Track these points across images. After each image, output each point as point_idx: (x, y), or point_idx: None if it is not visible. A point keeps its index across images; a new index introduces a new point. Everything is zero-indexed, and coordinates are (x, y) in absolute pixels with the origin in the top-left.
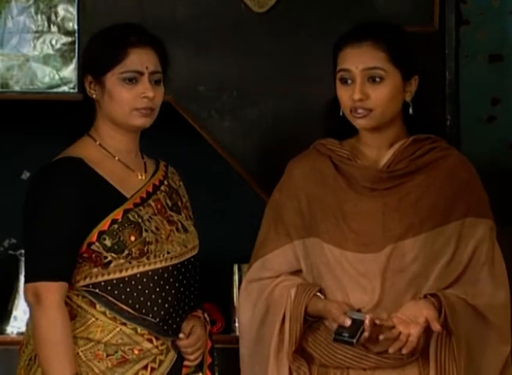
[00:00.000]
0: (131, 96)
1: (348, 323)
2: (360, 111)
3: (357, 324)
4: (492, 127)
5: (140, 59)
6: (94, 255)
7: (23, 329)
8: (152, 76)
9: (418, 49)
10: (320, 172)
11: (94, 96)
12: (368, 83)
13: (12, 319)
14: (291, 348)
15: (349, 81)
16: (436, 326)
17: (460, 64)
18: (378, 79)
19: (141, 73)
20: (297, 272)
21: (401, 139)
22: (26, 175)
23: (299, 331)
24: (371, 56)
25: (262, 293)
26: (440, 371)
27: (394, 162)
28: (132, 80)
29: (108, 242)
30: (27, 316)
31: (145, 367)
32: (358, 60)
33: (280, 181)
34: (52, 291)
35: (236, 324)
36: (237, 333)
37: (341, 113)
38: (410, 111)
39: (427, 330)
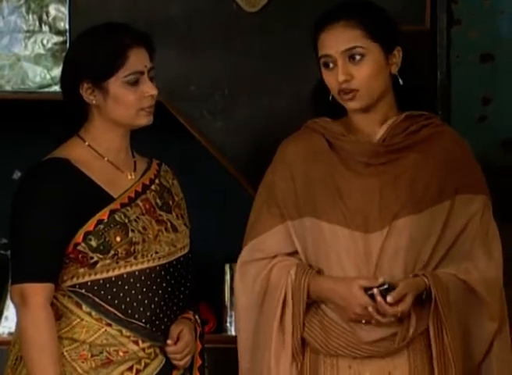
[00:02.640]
0: (137, 97)
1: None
2: (348, 93)
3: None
4: (483, 126)
5: (139, 59)
6: (80, 256)
7: (13, 329)
8: (149, 73)
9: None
10: (314, 149)
11: (94, 102)
12: (349, 64)
13: (3, 319)
14: (296, 330)
15: (331, 65)
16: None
17: (451, 64)
18: (358, 56)
19: (142, 73)
20: (293, 253)
21: (393, 116)
22: (17, 175)
23: (302, 312)
24: (347, 36)
25: (259, 274)
26: (441, 352)
27: (389, 137)
28: (135, 81)
29: (93, 243)
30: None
31: (130, 368)
32: (336, 43)
33: (273, 162)
34: (38, 292)
35: (228, 324)
36: (229, 332)
37: (330, 98)
38: (401, 82)
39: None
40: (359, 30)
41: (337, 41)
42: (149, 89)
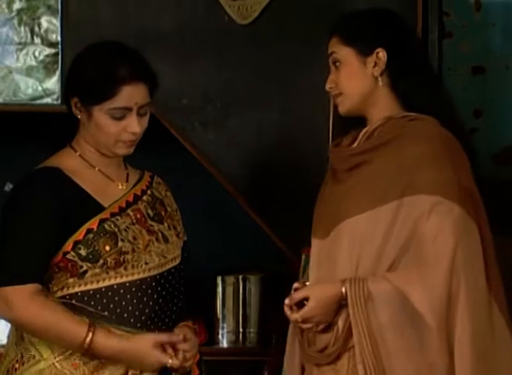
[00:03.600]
0: (118, 130)
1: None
2: (335, 99)
3: None
4: (474, 139)
5: (131, 96)
6: (69, 265)
7: (5, 341)
8: (140, 109)
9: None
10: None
11: (79, 117)
12: (336, 72)
13: None
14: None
15: None
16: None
17: (442, 76)
18: (337, 63)
19: (130, 109)
20: None
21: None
22: (8, 187)
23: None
24: (331, 44)
25: None
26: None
27: (361, 142)
28: (120, 115)
29: (82, 252)
30: (8, 327)
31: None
32: (329, 49)
33: None
34: (22, 292)
35: (220, 336)
36: (220, 345)
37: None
38: (380, 83)
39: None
40: (335, 38)
41: (329, 48)
42: (132, 126)
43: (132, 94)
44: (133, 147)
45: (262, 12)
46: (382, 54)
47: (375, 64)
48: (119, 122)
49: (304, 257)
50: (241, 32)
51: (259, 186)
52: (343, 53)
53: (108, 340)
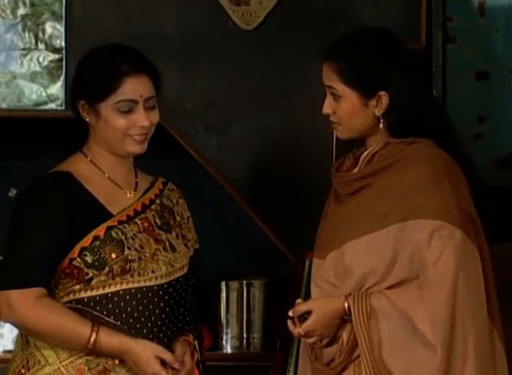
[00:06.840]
0: (126, 124)
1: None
2: (333, 125)
3: None
4: (478, 145)
5: (134, 88)
6: (75, 271)
7: (10, 347)
8: (146, 102)
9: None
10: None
11: (88, 120)
12: (334, 102)
13: None
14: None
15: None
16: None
17: (446, 81)
18: (336, 96)
19: (136, 102)
20: None
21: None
22: (13, 192)
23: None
24: (327, 75)
25: None
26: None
27: (362, 166)
28: (128, 109)
29: (88, 258)
30: (14, 333)
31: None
32: (323, 77)
33: None
34: (26, 295)
35: (224, 342)
36: (224, 350)
37: None
38: (380, 126)
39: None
40: (335, 74)
41: (324, 75)
42: (140, 119)
43: (135, 86)
44: (144, 144)
45: (266, 17)
46: (384, 97)
47: (377, 104)
48: (126, 116)
49: (307, 262)
50: (245, 37)
51: (262, 191)
52: (345, 93)
53: (111, 338)
